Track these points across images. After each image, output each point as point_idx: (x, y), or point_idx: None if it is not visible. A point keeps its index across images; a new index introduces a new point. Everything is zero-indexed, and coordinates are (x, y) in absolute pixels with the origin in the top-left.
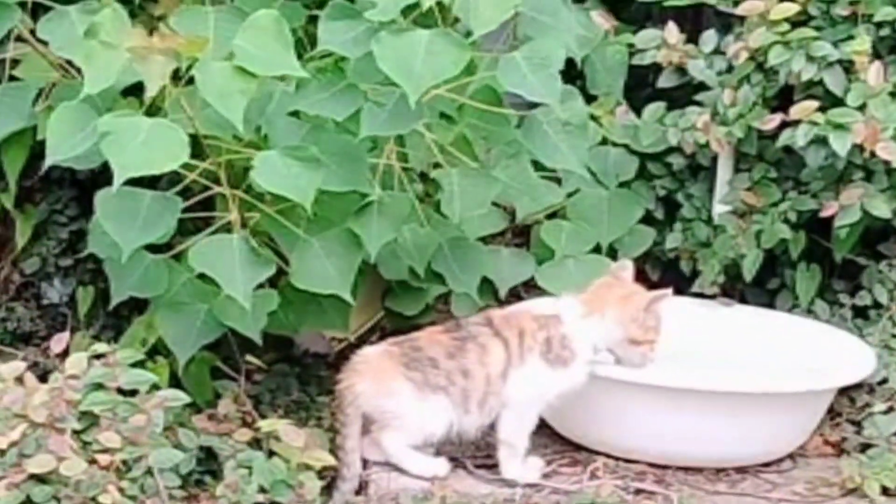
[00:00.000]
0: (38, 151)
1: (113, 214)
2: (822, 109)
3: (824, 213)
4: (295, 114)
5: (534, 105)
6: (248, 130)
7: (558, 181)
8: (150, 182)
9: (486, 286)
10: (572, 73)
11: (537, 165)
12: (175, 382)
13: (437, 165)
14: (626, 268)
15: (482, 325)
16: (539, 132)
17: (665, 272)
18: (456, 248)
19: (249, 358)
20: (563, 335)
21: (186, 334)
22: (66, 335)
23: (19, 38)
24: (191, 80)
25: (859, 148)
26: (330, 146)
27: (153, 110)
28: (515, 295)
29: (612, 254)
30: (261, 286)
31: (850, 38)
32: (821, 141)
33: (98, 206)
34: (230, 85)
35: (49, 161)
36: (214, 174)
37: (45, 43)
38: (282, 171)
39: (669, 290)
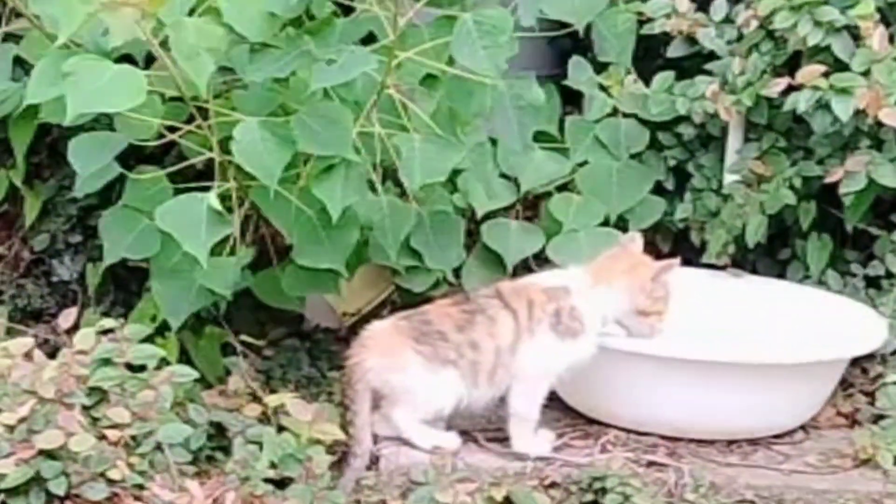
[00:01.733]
0: (45, 128)
1: (83, 153)
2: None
3: (829, 179)
4: None
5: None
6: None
7: (565, 153)
8: (139, 154)
9: (495, 258)
10: (581, 41)
11: (541, 137)
12: (185, 358)
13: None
14: (635, 240)
15: (491, 297)
16: (462, 33)
17: (676, 243)
18: (438, 221)
19: (243, 337)
20: (573, 306)
21: (180, 300)
22: (74, 311)
23: (18, 14)
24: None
25: (865, 114)
26: (316, 110)
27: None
28: (527, 268)
29: (623, 225)
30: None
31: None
32: (826, 106)
33: (70, 149)
34: (200, 43)
35: (28, 101)
36: (209, 141)
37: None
38: (258, 145)
39: (677, 260)
